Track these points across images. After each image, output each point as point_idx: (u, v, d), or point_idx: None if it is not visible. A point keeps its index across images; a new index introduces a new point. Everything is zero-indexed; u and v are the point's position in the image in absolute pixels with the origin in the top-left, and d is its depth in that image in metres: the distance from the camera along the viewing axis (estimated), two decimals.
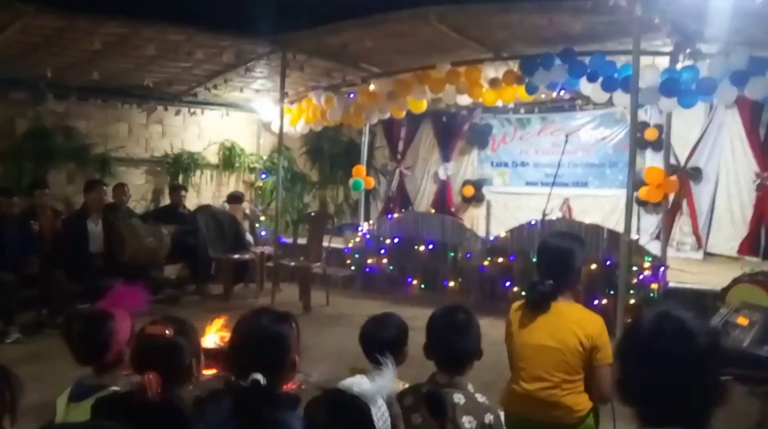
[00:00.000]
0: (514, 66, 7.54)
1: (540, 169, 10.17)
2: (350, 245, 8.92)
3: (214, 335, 4.67)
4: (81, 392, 2.26)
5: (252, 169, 10.30)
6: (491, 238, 7.97)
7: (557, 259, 2.64)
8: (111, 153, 8.53)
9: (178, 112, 9.31)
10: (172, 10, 7.33)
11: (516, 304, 2.76)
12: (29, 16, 6.08)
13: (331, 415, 1.55)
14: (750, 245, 8.42)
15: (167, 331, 2.04)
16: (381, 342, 2.42)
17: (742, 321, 3.41)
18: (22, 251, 6.34)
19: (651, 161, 8.57)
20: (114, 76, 7.93)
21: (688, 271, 7.45)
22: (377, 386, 1.77)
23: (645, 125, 8.84)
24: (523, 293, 2.71)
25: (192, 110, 9.46)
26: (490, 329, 2.97)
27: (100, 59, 7.31)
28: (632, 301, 6.17)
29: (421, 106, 8.55)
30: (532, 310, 2.63)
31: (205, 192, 9.69)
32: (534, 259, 7.00)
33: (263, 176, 10.34)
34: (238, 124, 10.11)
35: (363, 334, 2.46)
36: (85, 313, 2.57)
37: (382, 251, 8.54)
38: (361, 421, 1.57)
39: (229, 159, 9.93)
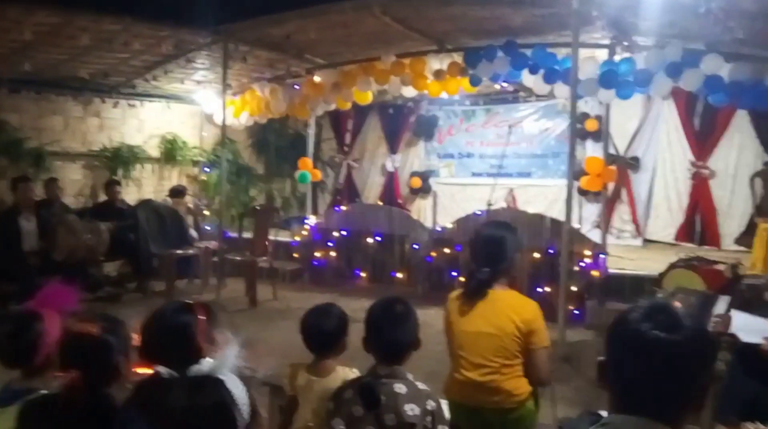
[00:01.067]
0: (459, 58, 7.59)
1: (485, 160, 10.30)
2: (297, 238, 8.84)
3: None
4: (8, 397, 2.16)
5: (195, 163, 10.09)
6: (438, 229, 8.03)
7: (491, 247, 2.70)
8: (46, 147, 8.21)
9: (116, 105, 9.03)
10: None
11: (453, 294, 2.80)
12: None
13: (189, 398, 1.50)
14: (686, 232, 8.74)
15: (94, 329, 1.97)
16: (321, 332, 2.43)
17: (678, 305, 3.52)
18: None
19: (591, 151, 8.78)
20: (47, 67, 7.63)
21: (627, 257, 7.67)
22: (220, 360, 1.75)
23: (585, 116, 9.04)
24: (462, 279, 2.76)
25: (131, 102, 9.20)
26: (437, 319, 2.98)
27: (31, 50, 7.02)
28: (573, 289, 6.33)
29: (366, 97, 8.52)
30: (471, 298, 2.68)
31: (146, 186, 9.44)
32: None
33: (206, 170, 10.14)
34: (180, 116, 9.88)
35: (304, 325, 2.46)
36: (12, 314, 2.46)
37: (330, 244, 8.49)
38: (217, 395, 1.53)
39: (170, 152, 9.69)
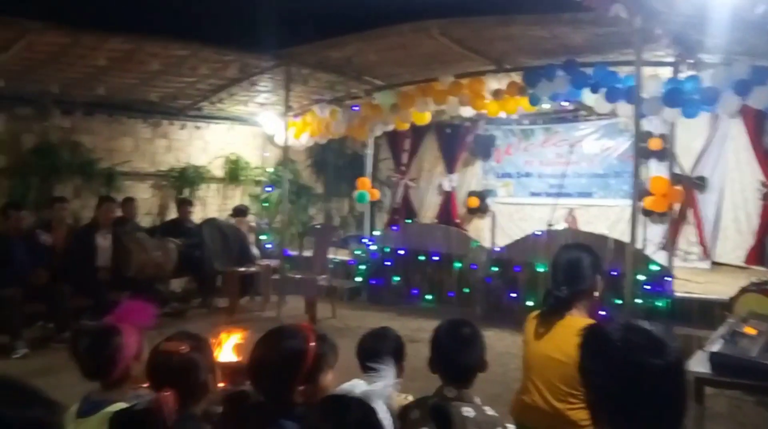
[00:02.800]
0: (517, 77, 7.57)
1: (544, 179, 10.18)
2: (356, 257, 8.93)
3: (225, 349, 4.66)
4: (88, 408, 2.26)
5: (257, 182, 10.33)
6: (496, 249, 7.96)
7: (568, 268, 2.65)
8: (117, 167, 8.56)
9: (183, 126, 9.36)
10: (176, 25, 7.41)
11: (532, 314, 2.75)
12: (35, 33, 6.15)
13: (337, 419, 1.49)
14: (757, 255, 8.39)
15: (183, 348, 2.04)
16: (378, 355, 2.44)
17: (750, 331, 3.38)
18: (30, 265, 6.36)
19: (656, 171, 8.56)
20: (119, 91, 8.00)
21: (694, 280, 7.43)
22: (378, 387, 1.77)
23: (649, 135, 8.84)
24: (529, 303, 2.73)
25: (197, 124, 9.51)
26: (496, 341, 2.98)
27: (105, 75, 7.37)
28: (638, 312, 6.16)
29: (424, 118, 8.58)
30: (548, 318, 2.63)
31: (210, 205, 9.71)
32: (539, 270, 7.04)
33: (268, 189, 10.37)
34: (243, 137, 10.15)
35: (360, 347, 2.48)
36: (92, 328, 2.58)
37: (388, 263, 8.54)
38: (367, 422, 1.51)
39: (234, 172, 9.96)
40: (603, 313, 6.37)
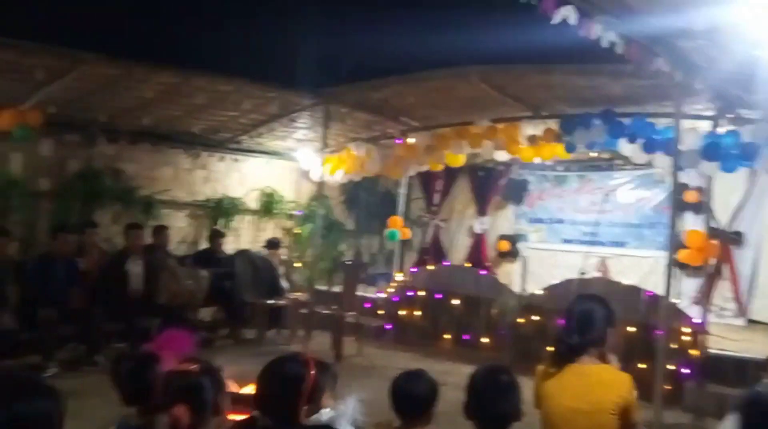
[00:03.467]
0: (554, 124, 7.61)
1: (577, 226, 10.11)
2: (384, 295, 8.93)
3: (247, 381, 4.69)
4: None
5: (290, 216, 10.45)
6: (527, 295, 7.89)
7: (581, 318, 2.69)
8: (156, 195, 8.76)
9: (221, 158, 9.57)
10: (222, 61, 7.67)
11: (541, 368, 2.75)
12: (89, 64, 6.41)
13: None
14: None
15: (191, 368, 2.12)
16: (411, 398, 2.44)
17: None
18: (68, 288, 6.51)
19: (691, 224, 8.45)
20: (164, 122, 8.24)
21: (729, 338, 7.25)
22: (340, 412, 1.98)
23: (685, 187, 8.74)
24: (549, 348, 2.74)
25: (235, 157, 9.71)
26: (525, 389, 2.95)
27: (151, 106, 7.61)
28: (670, 367, 6.03)
29: (459, 160, 8.65)
30: (558, 365, 2.64)
31: (244, 236, 9.84)
32: None
33: (298, 214, 10.45)
34: (279, 171, 10.32)
35: (394, 389, 2.48)
36: (134, 354, 2.65)
37: (416, 303, 8.52)
38: None
39: (268, 205, 10.10)
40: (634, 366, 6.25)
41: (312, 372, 2.08)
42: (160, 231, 7.95)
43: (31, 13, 8.80)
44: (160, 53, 7.30)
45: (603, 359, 2.69)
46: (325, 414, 1.92)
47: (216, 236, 8.70)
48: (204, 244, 9.07)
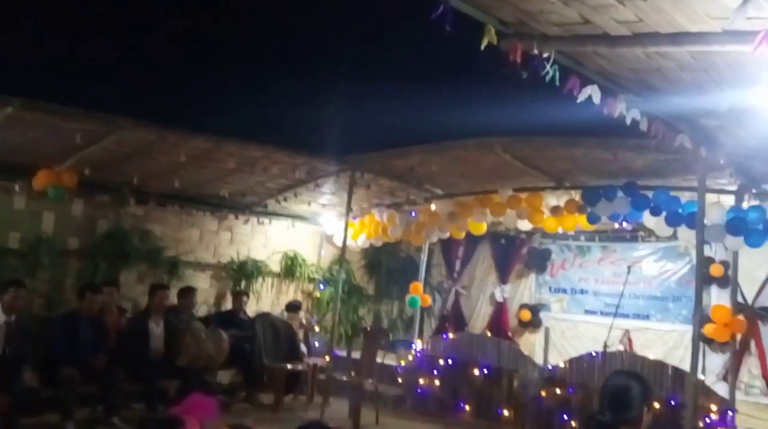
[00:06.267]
0: (576, 195, 7.67)
1: (600, 298, 10.01)
2: (403, 363, 8.82)
3: None
4: None
5: (311, 279, 10.49)
6: (549, 367, 7.76)
7: (616, 394, 2.63)
8: (181, 256, 8.89)
9: (246, 221, 9.72)
10: (252, 128, 7.92)
11: None
12: (126, 129, 6.66)
13: None
14: None
15: None
16: None
17: None
18: (92, 348, 6.54)
19: (716, 298, 8.34)
20: (193, 185, 8.44)
21: (757, 417, 7.03)
22: None
23: (710, 261, 8.68)
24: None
25: (260, 220, 9.86)
26: None
27: (183, 169, 7.81)
28: None
29: (481, 228, 8.70)
30: None
31: (265, 299, 9.88)
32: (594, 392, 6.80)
33: (322, 287, 10.51)
34: (302, 234, 10.43)
35: None
36: (159, 418, 2.66)
37: (435, 372, 8.39)
38: None
39: (290, 268, 10.17)
40: None
41: None
42: (188, 293, 7.96)
43: (72, 78, 9.23)
44: (193, 120, 7.57)
45: None
46: None
47: (239, 296, 8.75)
48: (226, 305, 9.11)
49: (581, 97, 3.85)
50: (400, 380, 8.73)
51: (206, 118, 8.08)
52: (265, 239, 10.00)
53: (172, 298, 7.81)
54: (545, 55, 3.48)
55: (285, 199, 9.17)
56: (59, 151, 7.00)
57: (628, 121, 4.28)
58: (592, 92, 3.88)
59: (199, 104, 9.37)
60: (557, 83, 3.61)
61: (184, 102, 9.19)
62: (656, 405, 6.35)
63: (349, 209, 8.56)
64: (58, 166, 7.22)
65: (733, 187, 6.62)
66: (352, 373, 7.98)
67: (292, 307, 9.09)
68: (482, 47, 3.24)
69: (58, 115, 6.23)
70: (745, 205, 6.44)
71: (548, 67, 3.51)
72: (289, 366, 8.13)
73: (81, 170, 7.28)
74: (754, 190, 6.49)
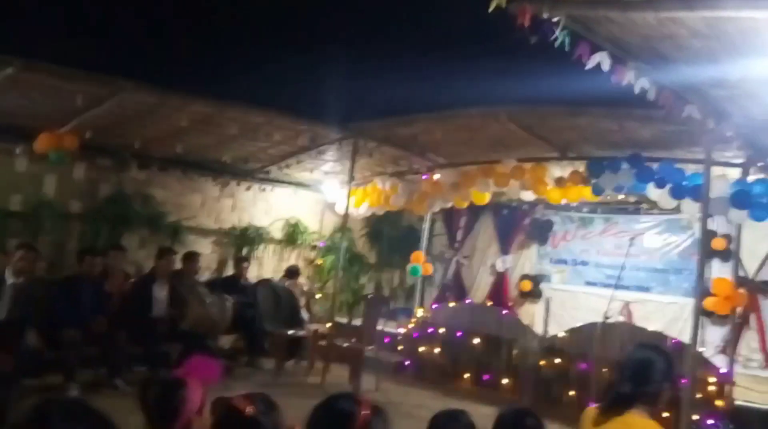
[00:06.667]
0: (580, 166, 7.62)
1: (601, 269, 10.00)
2: (403, 331, 8.88)
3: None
4: None
5: (313, 247, 10.50)
6: (549, 337, 7.80)
7: (638, 367, 2.57)
8: (183, 222, 8.87)
9: (249, 188, 9.68)
10: (255, 93, 7.83)
11: (589, 410, 2.66)
12: (127, 92, 6.58)
13: None
14: None
15: (248, 407, 2.09)
16: None
17: None
18: (93, 310, 6.58)
19: (718, 272, 8.33)
20: (195, 150, 8.38)
21: (756, 389, 7.08)
22: None
23: (712, 234, 8.65)
24: (580, 396, 2.67)
25: (262, 187, 9.83)
26: None
27: (184, 134, 7.76)
28: (695, 417, 5.90)
29: (484, 198, 8.67)
30: (606, 414, 2.53)
31: (266, 266, 9.89)
32: (593, 362, 6.84)
33: (321, 244, 10.50)
34: (304, 202, 10.41)
35: (432, 426, 2.46)
36: (162, 379, 2.67)
37: (435, 340, 8.45)
38: None
39: (292, 235, 10.17)
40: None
41: (364, 412, 2.02)
42: (191, 257, 7.99)
43: (74, 40, 9.11)
44: (195, 84, 7.48)
45: (657, 417, 2.53)
46: None
47: (240, 262, 8.76)
48: (228, 272, 9.14)
49: (590, 64, 3.78)
50: (400, 348, 8.80)
51: (209, 84, 7.98)
52: (267, 206, 9.97)
53: (178, 263, 7.83)
54: (555, 19, 3.41)
55: (287, 166, 9.13)
56: (60, 113, 6.95)
57: (637, 90, 4.21)
58: (602, 59, 3.81)
59: (202, 69, 9.27)
60: (566, 49, 3.55)
61: (187, 66, 9.09)
62: None
63: (351, 177, 8.53)
64: (59, 129, 7.17)
65: (739, 160, 6.57)
66: (353, 340, 8.03)
67: (292, 272, 9.11)
68: (490, 10, 3.17)
69: (59, 76, 6.16)
70: (750, 178, 6.39)
71: (557, 32, 3.44)
72: (290, 332, 8.19)
73: (82, 133, 7.23)
74: (760, 164, 6.44)
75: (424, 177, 9.05)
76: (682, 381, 5.70)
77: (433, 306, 9.64)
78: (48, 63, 6.09)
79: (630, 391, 2.49)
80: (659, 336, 6.84)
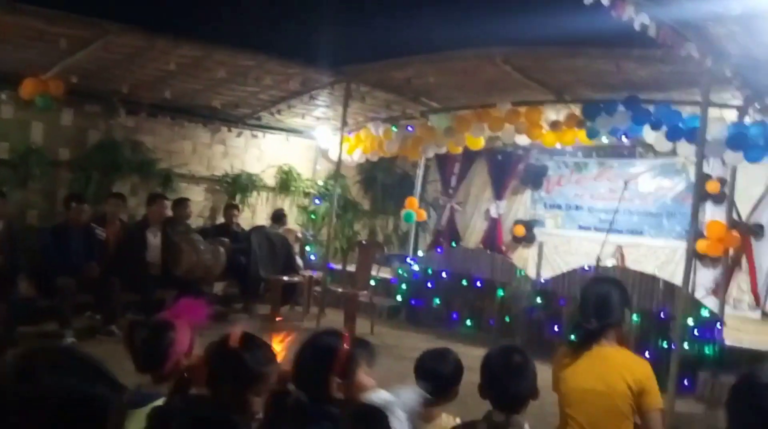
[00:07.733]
0: (576, 109, 7.52)
1: (594, 213, 10.03)
2: (398, 276, 8.93)
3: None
4: (139, 400, 2.31)
5: (306, 194, 10.45)
6: (542, 280, 7.86)
7: (598, 302, 2.70)
8: (174, 169, 8.78)
9: (240, 134, 9.56)
10: (244, 36, 7.61)
11: (561, 350, 2.79)
12: (113, 34, 6.38)
13: (354, 424, 1.79)
14: None
15: (234, 342, 2.08)
16: (437, 376, 2.45)
17: None
18: (86, 257, 6.56)
19: (711, 215, 8.36)
20: (184, 95, 8.22)
21: (745, 330, 7.19)
22: (397, 398, 1.99)
23: (707, 177, 8.63)
24: (571, 337, 2.76)
25: (254, 133, 9.71)
26: (538, 372, 2.94)
27: (173, 79, 7.59)
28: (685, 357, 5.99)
29: (478, 143, 8.58)
30: (578, 350, 2.65)
31: (260, 213, 9.86)
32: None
33: (317, 202, 10.48)
34: (297, 149, 10.30)
35: (420, 366, 2.49)
36: (149, 322, 2.65)
37: (429, 285, 8.51)
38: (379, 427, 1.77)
39: (285, 182, 10.10)
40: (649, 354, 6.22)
41: (346, 345, 2.06)
42: (182, 203, 7.93)
43: None
44: (182, 26, 7.27)
45: (621, 342, 2.69)
46: (377, 396, 1.93)
47: (229, 209, 8.70)
48: (220, 219, 9.10)
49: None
50: (395, 293, 8.86)
51: (197, 26, 7.74)
52: (260, 153, 9.87)
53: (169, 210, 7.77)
54: None
55: (279, 112, 8.98)
56: (45, 58, 6.77)
57: (637, 26, 4.09)
58: None
59: (190, 10, 8.97)
60: None
61: (174, 8, 8.79)
62: (647, 318, 6.49)
63: (344, 123, 8.40)
64: (44, 75, 7.00)
65: (737, 102, 6.47)
66: (348, 286, 8.08)
67: (278, 217, 9.07)
68: None
69: (41, 18, 5.95)
70: (747, 120, 6.31)
71: None
72: (285, 278, 8.21)
73: (68, 78, 7.06)
74: (757, 105, 6.34)
75: (409, 128, 8.94)
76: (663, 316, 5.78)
77: (427, 251, 9.67)
78: (30, 5, 5.88)
79: (596, 325, 2.62)
80: (651, 278, 6.87)
